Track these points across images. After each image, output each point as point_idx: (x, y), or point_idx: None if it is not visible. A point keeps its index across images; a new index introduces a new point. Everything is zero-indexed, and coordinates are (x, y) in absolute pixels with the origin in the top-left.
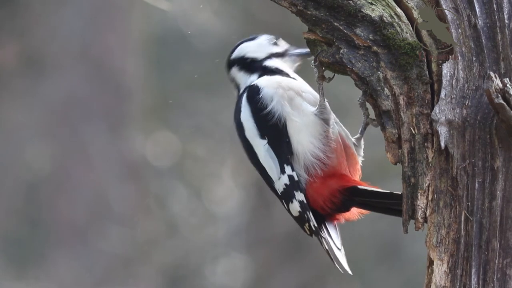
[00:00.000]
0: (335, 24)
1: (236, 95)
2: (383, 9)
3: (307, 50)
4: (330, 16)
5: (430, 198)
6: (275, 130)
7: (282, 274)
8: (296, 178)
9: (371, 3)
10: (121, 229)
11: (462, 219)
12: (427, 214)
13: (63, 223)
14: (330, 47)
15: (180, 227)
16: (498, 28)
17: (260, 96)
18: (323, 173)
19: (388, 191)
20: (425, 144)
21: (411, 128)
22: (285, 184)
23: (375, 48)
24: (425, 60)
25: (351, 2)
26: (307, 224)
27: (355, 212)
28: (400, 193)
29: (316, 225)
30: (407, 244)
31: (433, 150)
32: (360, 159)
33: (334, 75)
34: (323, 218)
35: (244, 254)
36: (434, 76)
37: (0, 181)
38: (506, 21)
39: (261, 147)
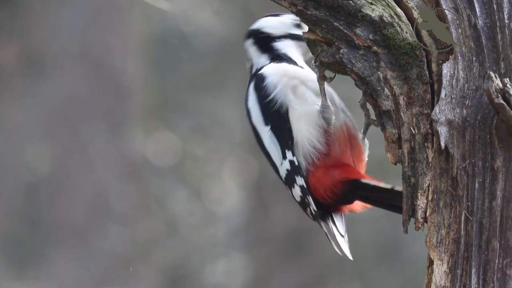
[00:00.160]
0: (335, 24)
1: (247, 68)
2: (383, 9)
3: None
4: (330, 16)
5: (430, 198)
6: (277, 117)
7: (282, 274)
8: (296, 163)
9: (371, 3)
10: (121, 229)
11: (462, 219)
12: (427, 214)
13: (63, 223)
14: (330, 47)
15: (180, 227)
16: (498, 28)
17: (265, 84)
18: (323, 162)
19: (390, 187)
20: (425, 144)
21: (411, 128)
22: (287, 170)
23: (375, 48)
24: (425, 60)
25: (351, 2)
26: (308, 209)
27: (358, 205)
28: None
29: (315, 209)
30: (407, 244)
31: (433, 150)
32: (365, 157)
33: (335, 75)
34: (328, 207)
35: (244, 254)
36: (434, 76)
37: (0, 181)
38: (506, 21)
39: (266, 133)
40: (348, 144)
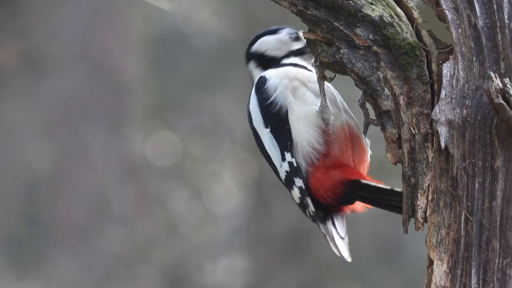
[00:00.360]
0: (335, 24)
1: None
2: (383, 9)
3: None
4: (330, 16)
5: (430, 198)
6: (277, 119)
7: (282, 274)
8: (295, 165)
9: (371, 3)
10: (121, 229)
11: (462, 219)
12: (427, 214)
13: (63, 223)
14: (330, 47)
15: (180, 227)
16: (498, 28)
17: (266, 87)
18: (323, 163)
19: (389, 187)
20: (425, 144)
21: (411, 128)
22: (286, 171)
23: (375, 48)
24: (425, 60)
25: (351, 2)
26: (307, 210)
27: (359, 205)
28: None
29: (314, 210)
30: (407, 244)
31: (433, 150)
32: (368, 158)
33: (335, 75)
34: (329, 208)
35: (244, 254)
36: (434, 76)
37: (0, 181)
38: (506, 21)
39: (266, 135)
40: (349, 144)
